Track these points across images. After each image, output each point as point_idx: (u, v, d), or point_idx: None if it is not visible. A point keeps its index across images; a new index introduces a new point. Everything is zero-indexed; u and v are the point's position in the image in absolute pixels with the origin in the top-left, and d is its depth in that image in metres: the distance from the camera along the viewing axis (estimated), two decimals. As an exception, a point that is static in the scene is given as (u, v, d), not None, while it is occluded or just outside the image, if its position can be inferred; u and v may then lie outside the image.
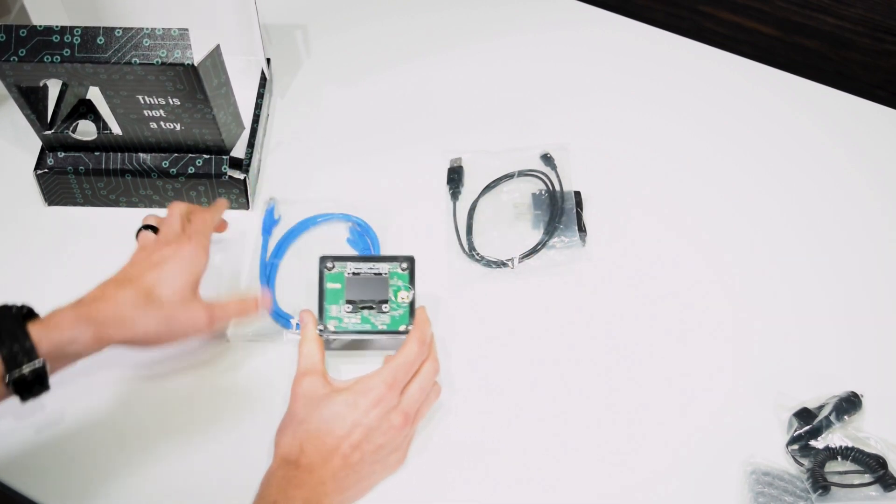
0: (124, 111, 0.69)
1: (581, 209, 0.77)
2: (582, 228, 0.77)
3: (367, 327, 0.66)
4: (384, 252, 0.75)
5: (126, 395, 0.66)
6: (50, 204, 0.77)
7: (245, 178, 0.75)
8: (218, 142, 0.73)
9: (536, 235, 0.77)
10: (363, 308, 0.66)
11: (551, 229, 0.76)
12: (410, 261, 0.67)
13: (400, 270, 0.67)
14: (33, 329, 0.55)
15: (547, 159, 0.81)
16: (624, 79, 0.90)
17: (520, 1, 0.96)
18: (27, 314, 0.57)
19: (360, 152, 0.83)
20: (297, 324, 0.68)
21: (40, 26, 0.65)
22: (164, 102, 0.68)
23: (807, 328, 0.73)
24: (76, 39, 0.65)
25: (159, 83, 0.66)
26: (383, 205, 0.78)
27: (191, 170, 0.74)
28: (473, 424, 0.67)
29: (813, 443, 0.65)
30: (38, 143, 0.74)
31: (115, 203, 0.77)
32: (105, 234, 0.75)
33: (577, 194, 0.78)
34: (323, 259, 0.67)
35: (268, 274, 0.73)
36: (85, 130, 0.73)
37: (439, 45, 0.92)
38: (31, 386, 0.55)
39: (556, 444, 0.66)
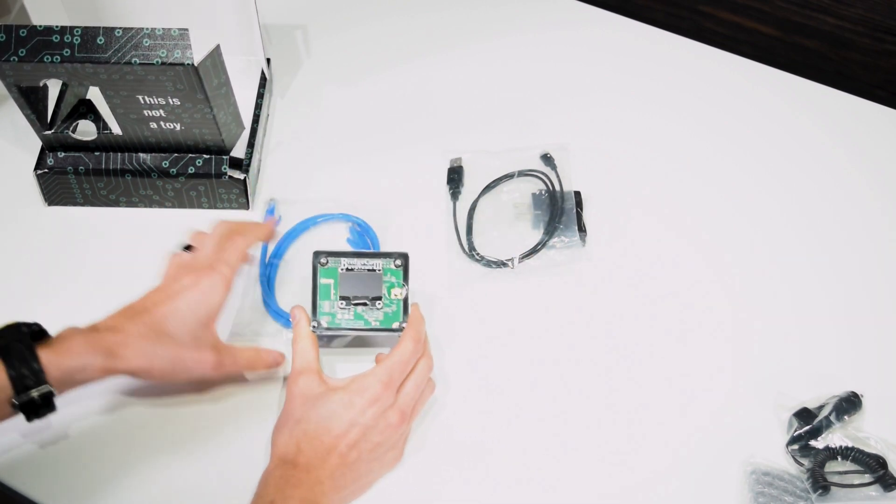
0: (124, 111, 0.69)
1: (581, 209, 0.77)
2: (582, 228, 0.77)
3: (361, 324, 0.66)
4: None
5: (125, 395, 0.66)
6: (50, 204, 0.77)
7: (245, 178, 0.75)
8: (218, 142, 0.73)
9: (536, 235, 0.77)
10: (356, 304, 0.66)
11: (551, 229, 0.76)
12: (404, 257, 0.67)
13: (393, 267, 0.67)
14: (44, 353, 0.55)
15: (547, 159, 0.81)
16: (624, 79, 0.90)
17: (520, 1, 0.96)
18: (37, 333, 0.58)
19: (360, 152, 0.83)
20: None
21: (40, 26, 0.65)
22: (164, 102, 0.68)
23: (807, 328, 0.73)
24: (76, 39, 0.65)
25: (159, 83, 0.66)
26: (383, 205, 0.78)
27: (191, 170, 0.74)
28: (473, 424, 0.67)
29: (813, 443, 0.65)
30: (38, 143, 0.74)
31: (115, 203, 0.77)
32: (105, 234, 0.76)
33: (577, 194, 0.78)
34: (317, 254, 0.67)
35: (268, 274, 0.73)
36: (85, 130, 0.73)
37: (439, 45, 0.92)
38: (39, 408, 0.56)
39: (556, 444, 0.66)
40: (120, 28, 0.65)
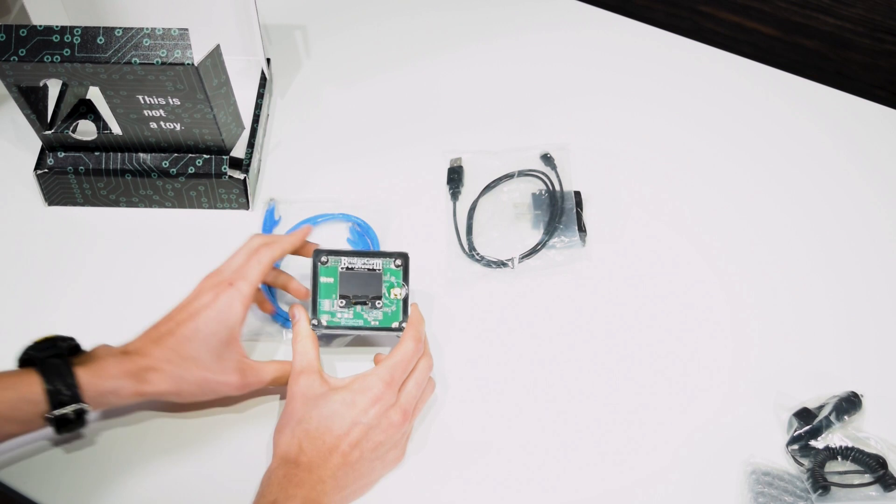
0: (124, 111, 0.69)
1: (581, 209, 0.77)
2: (582, 228, 0.77)
3: (360, 323, 0.66)
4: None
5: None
6: (50, 204, 0.77)
7: (245, 178, 0.75)
8: (218, 142, 0.73)
9: (536, 235, 0.77)
10: (356, 303, 0.66)
11: (551, 229, 0.76)
12: (404, 257, 0.67)
13: (393, 267, 0.67)
14: (81, 372, 0.57)
15: (547, 159, 0.81)
16: (624, 79, 0.90)
17: (520, 1, 0.96)
18: (73, 348, 0.60)
19: (360, 152, 0.83)
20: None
21: (40, 26, 0.65)
22: (164, 102, 0.68)
23: (807, 328, 0.73)
24: (76, 39, 0.65)
25: (159, 83, 0.66)
26: (383, 205, 0.78)
27: (191, 170, 0.74)
28: (473, 424, 0.67)
29: (813, 443, 0.65)
30: (38, 143, 0.74)
31: (115, 203, 0.77)
32: (105, 234, 0.75)
33: (577, 194, 0.78)
34: (317, 253, 0.67)
35: (268, 274, 0.73)
36: (85, 130, 0.73)
37: (439, 46, 0.92)
38: (71, 423, 0.57)
39: (556, 444, 0.66)
40: (120, 28, 0.65)
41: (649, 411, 0.68)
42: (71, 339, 0.60)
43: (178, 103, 0.68)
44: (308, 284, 0.67)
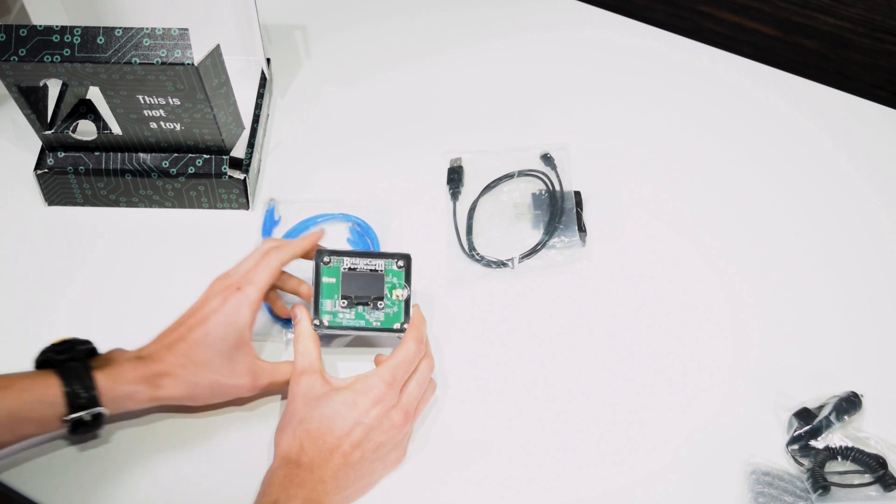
0: (124, 111, 0.69)
1: (581, 209, 0.77)
2: (582, 228, 0.77)
3: (362, 323, 0.66)
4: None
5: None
6: (50, 204, 0.77)
7: (245, 178, 0.75)
8: (218, 142, 0.73)
9: (536, 235, 0.77)
10: (358, 304, 0.66)
11: (551, 229, 0.76)
12: (407, 259, 0.67)
13: (396, 268, 0.67)
14: (100, 377, 0.58)
15: (547, 159, 0.81)
16: (624, 79, 0.90)
17: (520, 1, 0.96)
18: (90, 351, 0.60)
19: (360, 152, 0.83)
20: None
21: (40, 26, 0.65)
22: (164, 102, 0.68)
23: (807, 328, 0.73)
24: (76, 39, 0.65)
25: (159, 83, 0.66)
26: (383, 205, 0.78)
27: (191, 170, 0.74)
28: (473, 424, 0.67)
29: (813, 443, 0.65)
30: (38, 143, 0.74)
31: (115, 203, 0.77)
32: (105, 234, 0.75)
33: (577, 194, 0.78)
34: (319, 253, 0.67)
35: (268, 274, 0.73)
36: (85, 130, 0.73)
37: (439, 45, 0.92)
38: (87, 426, 0.58)
39: (556, 444, 0.66)
40: (120, 28, 0.65)
41: (649, 411, 0.68)
42: (88, 343, 0.61)
43: (178, 103, 0.68)
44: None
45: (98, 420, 0.58)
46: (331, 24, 0.93)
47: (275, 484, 0.57)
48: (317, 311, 0.66)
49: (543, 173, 0.80)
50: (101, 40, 0.65)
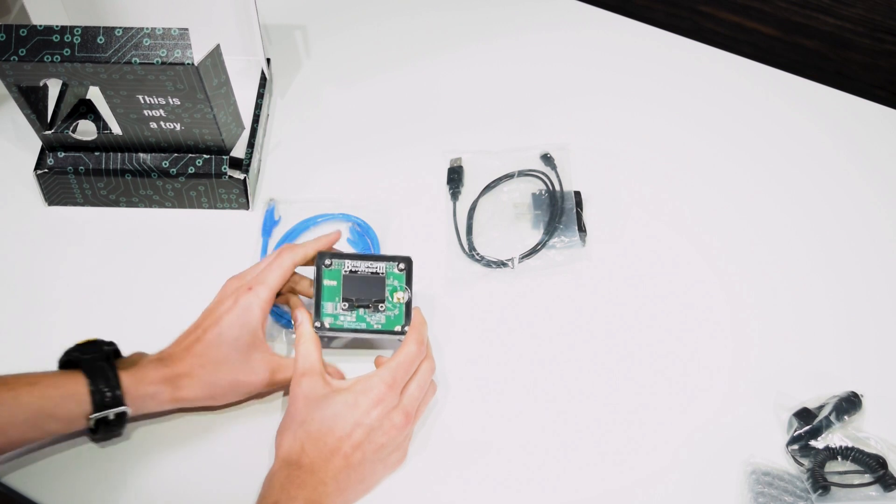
0: (124, 111, 0.69)
1: (581, 209, 0.77)
2: (582, 228, 0.77)
3: (363, 326, 0.66)
4: (384, 252, 0.75)
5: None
6: (50, 204, 0.77)
7: (245, 178, 0.75)
8: (218, 142, 0.73)
9: (536, 235, 0.77)
10: (359, 306, 0.66)
11: (551, 229, 0.76)
12: (408, 261, 0.67)
13: (397, 271, 0.67)
14: (124, 377, 0.59)
15: (547, 159, 0.81)
16: (624, 79, 0.90)
17: (520, 1, 0.96)
18: (115, 352, 0.62)
19: (360, 152, 0.83)
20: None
21: (40, 26, 0.65)
22: (164, 102, 0.68)
23: (807, 328, 0.73)
24: (76, 39, 0.65)
25: (159, 83, 0.66)
26: (383, 205, 0.78)
27: (191, 170, 0.74)
28: (474, 424, 0.67)
29: (813, 443, 0.65)
30: (38, 143, 0.74)
31: (115, 203, 0.77)
32: (105, 234, 0.75)
33: (577, 194, 0.78)
34: (321, 255, 0.67)
35: (268, 274, 0.73)
36: (85, 130, 0.73)
37: (439, 45, 0.92)
38: (110, 426, 0.60)
39: (556, 444, 0.66)
40: (120, 28, 0.65)
41: (649, 411, 0.68)
42: (112, 344, 0.62)
43: (178, 103, 0.68)
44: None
45: (121, 419, 0.59)
46: (331, 24, 0.93)
47: (276, 485, 0.57)
48: (318, 314, 0.66)
49: (543, 173, 0.80)
50: (101, 40, 0.65)
